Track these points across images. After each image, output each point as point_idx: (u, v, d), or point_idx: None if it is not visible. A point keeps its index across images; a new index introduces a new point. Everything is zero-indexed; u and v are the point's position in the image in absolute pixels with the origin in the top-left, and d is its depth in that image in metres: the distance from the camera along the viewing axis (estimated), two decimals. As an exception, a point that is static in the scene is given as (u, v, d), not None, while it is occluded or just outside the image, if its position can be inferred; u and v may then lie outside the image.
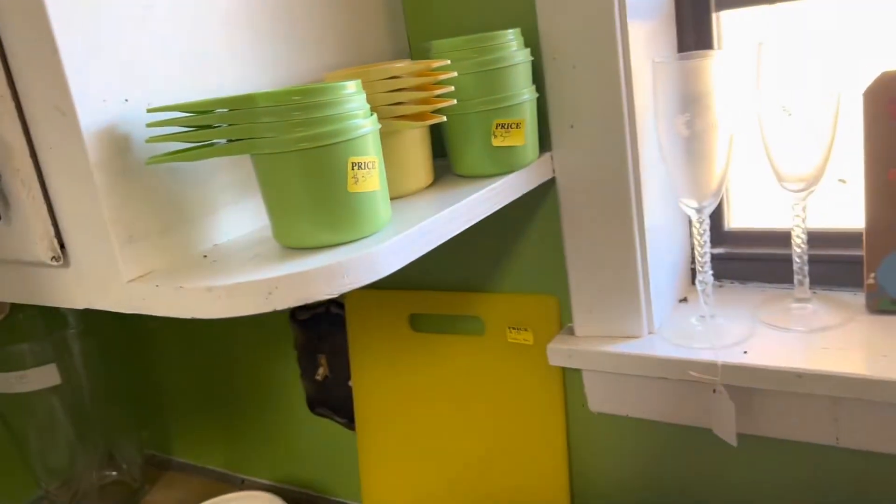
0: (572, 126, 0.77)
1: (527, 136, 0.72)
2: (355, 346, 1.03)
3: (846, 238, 0.83)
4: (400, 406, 1.01)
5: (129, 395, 1.28)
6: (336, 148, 0.53)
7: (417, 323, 0.98)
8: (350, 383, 1.05)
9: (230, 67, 0.64)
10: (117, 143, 0.55)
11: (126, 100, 0.55)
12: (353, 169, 0.55)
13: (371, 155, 0.56)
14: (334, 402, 1.09)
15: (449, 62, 0.65)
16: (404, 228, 0.59)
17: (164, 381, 1.29)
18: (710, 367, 0.75)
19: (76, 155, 0.53)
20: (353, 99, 0.55)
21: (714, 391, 0.76)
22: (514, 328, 0.90)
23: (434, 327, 0.97)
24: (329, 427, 1.12)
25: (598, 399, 0.87)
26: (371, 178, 0.56)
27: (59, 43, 0.51)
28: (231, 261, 0.58)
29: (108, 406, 1.18)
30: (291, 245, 0.57)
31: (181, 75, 0.60)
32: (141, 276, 0.57)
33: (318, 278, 0.53)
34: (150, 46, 0.57)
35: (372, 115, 0.57)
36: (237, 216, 0.65)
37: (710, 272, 0.80)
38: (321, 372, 1.08)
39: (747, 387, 0.74)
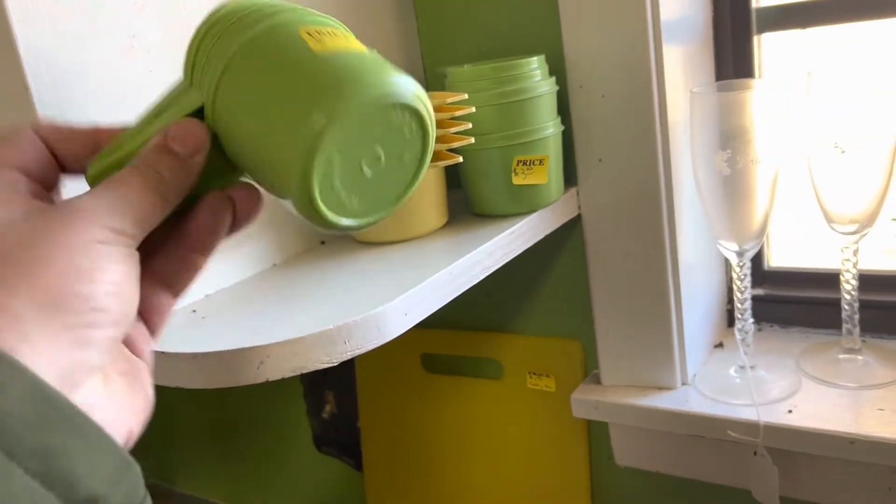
0: (601, 160, 0.71)
1: (550, 174, 0.66)
2: (364, 385, 0.97)
3: (900, 282, 0.76)
4: (410, 450, 0.95)
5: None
6: None
7: (430, 363, 0.92)
8: (358, 424, 0.99)
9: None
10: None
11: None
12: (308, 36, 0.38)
13: None
14: (342, 441, 1.03)
15: (466, 96, 0.58)
16: (415, 282, 0.53)
17: (168, 409, 1.24)
18: (751, 427, 0.68)
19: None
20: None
21: (755, 453, 0.69)
22: (534, 373, 0.83)
23: (448, 369, 0.91)
24: (335, 466, 1.06)
25: (626, 453, 0.80)
26: None
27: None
28: (221, 317, 0.52)
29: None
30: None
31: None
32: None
33: (315, 345, 0.47)
34: (136, 77, 0.52)
35: None
36: (231, 263, 0.59)
37: (751, 320, 0.73)
38: (328, 409, 1.02)
39: (792, 450, 0.67)
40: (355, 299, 0.51)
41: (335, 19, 0.39)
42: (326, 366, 0.48)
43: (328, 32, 0.38)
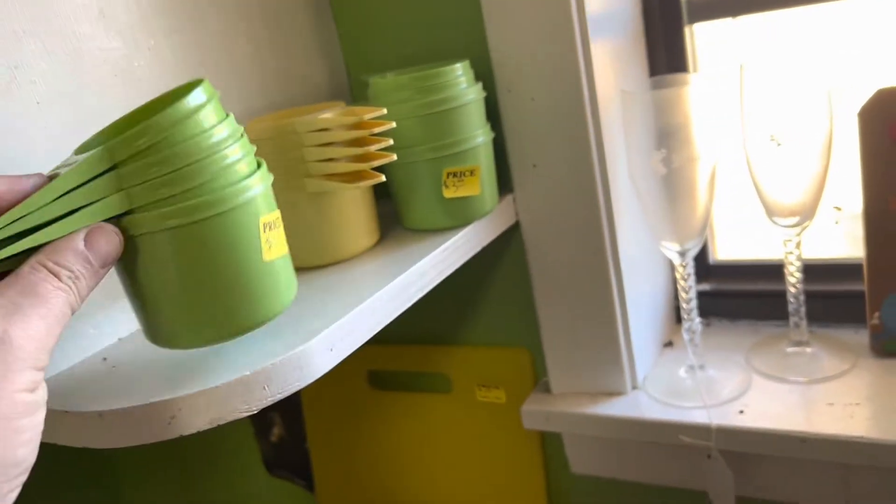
0: (535, 165, 0.68)
1: (483, 184, 0.63)
2: (310, 406, 0.94)
3: (844, 269, 0.75)
4: (362, 469, 0.92)
5: (75, 452, 1.18)
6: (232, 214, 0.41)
7: (377, 380, 0.89)
8: (307, 445, 0.96)
9: (126, 128, 0.54)
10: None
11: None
12: (264, 231, 0.43)
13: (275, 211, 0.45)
14: (292, 463, 1.00)
15: (385, 111, 0.55)
16: (341, 312, 0.50)
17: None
18: (703, 431, 0.66)
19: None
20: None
21: (709, 456, 0.67)
22: (483, 385, 0.81)
23: (396, 385, 0.88)
24: (288, 489, 1.03)
25: (581, 461, 0.78)
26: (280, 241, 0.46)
27: None
28: (133, 365, 0.49)
29: (53, 465, 1.08)
30: (191, 346, 0.45)
31: (62, 136, 0.50)
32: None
33: (232, 394, 0.43)
34: (23, 110, 0.48)
35: (259, 167, 0.44)
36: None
37: (698, 319, 0.71)
38: (276, 432, 0.99)
39: (746, 452, 0.66)
40: (274, 338, 0.47)
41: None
42: (246, 414, 0.44)
43: (277, 223, 0.44)
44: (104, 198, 0.38)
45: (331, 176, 0.55)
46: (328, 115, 0.55)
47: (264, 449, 1.02)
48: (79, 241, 0.36)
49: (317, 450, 0.95)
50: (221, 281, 0.42)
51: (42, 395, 0.34)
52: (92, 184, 0.38)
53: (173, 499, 1.18)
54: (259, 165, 0.44)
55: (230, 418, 0.43)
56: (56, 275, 0.35)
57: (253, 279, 0.42)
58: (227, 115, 0.42)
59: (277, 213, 0.45)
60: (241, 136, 0.43)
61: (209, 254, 0.41)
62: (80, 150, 0.42)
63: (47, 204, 0.37)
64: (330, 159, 0.55)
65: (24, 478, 0.33)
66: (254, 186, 0.42)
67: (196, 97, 0.40)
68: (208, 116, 0.40)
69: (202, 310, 0.42)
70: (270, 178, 0.44)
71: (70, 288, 0.35)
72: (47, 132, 0.49)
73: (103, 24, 0.53)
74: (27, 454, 0.32)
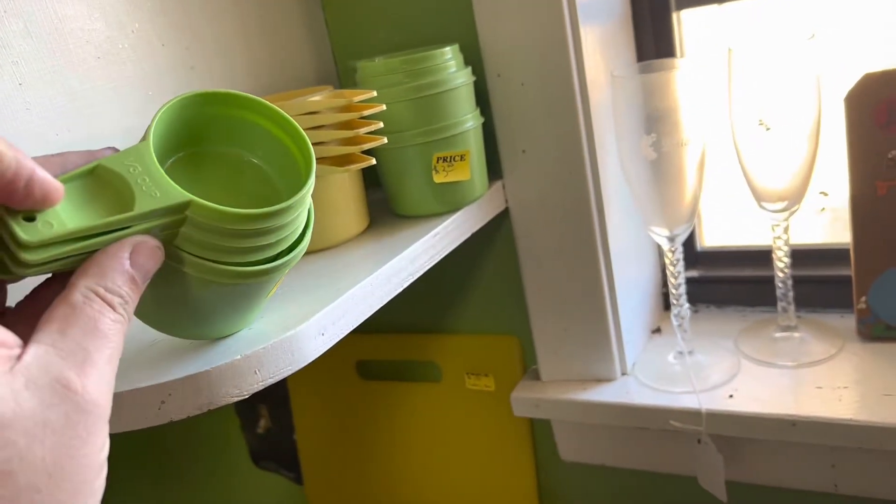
0: (524, 151, 0.68)
1: (473, 169, 0.63)
2: (297, 397, 0.93)
3: (831, 254, 0.76)
4: (351, 460, 0.92)
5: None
6: None
7: (366, 370, 0.88)
8: (295, 437, 0.95)
9: (111, 112, 0.53)
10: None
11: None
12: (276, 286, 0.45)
13: None
14: (279, 455, 0.99)
15: (374, 93, 0.55)
16: (332, 297, 0.49)
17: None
18: (693, 415, 0.66)
19: None
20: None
21: (699, 441, 0.68)
22: (473, 374, 0.81)
23: (385, 374, 0.87)
24: (275, 481, 1.02)
25: (571, 448, 0.78)
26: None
27: None
28: (127, 351, 0.48)
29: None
30: (188, 338, 0.46)
31: (45, 117, 0.49)
32: (103, 448, 0.46)
33: (222, 379, 0.43)
34: (5, 92, 0.47)
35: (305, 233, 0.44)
36: (132, 289, 0.54)
37: (686, 305, 0.71)
38: (263, 424, 0.98)
39: (735, 436, 0.66)
40: (265, 322, 0.47)
41: None
42: (237, 399, 0.44)
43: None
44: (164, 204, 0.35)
45: (320, 160, 0.55)
46: (317, 98, 0.54)
47: (251, 441, 1.01)
48: (125, 260, 0.33)
49: (304, 441, 0.94)
50: (228, 311, 0.43)
51: (108, 446, 0.31)
52: (165, 219, 0.36)
53: (158, 493, 1.17)
54: (307, 227, 0.43)
55: (221, 403, 0.43)
56: (111, 305, 0.32)
57: (255, 309, 0.45)
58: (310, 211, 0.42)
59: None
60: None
61: (227, 296, 0.41)
62: (156, 137, 0.38)
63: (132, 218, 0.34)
64: (319, 143, 0.54)
65: None
66: (295, 261, 0.41)
67: (296, 211, 0.39)
68: (295, 212, 0.40)
69: (203, 323, 0.43)
70: (302, 252, 0.43)
71: (124, 317, 0.33)
72: (30, 113, 0.48)
73: (86, 4, 0.52)
74: None
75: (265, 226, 0.38)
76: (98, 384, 0.30)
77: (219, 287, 0.39)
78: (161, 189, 0.35)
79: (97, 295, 0.32)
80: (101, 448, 0.30)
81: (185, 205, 0.35)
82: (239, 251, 0.38)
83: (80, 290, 0.32)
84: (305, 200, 0.40)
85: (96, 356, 0.30)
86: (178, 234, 0.36)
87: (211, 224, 0.36)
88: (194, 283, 0.38)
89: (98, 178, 0.34)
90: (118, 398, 0.42)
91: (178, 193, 0.35)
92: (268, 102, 0.42)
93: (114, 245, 0.33)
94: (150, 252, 0.34)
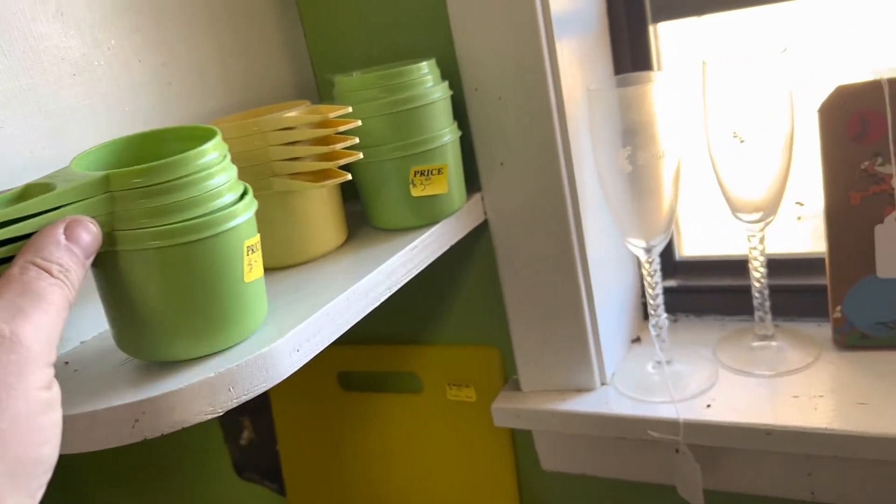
0: (503, 163, 0.69)
1: (450, 183, 0.63)
2: (279, 408, 0.93)
3: (807, 264, 0.76)
4: (333, 471, 0.92)
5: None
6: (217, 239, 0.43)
7: (347, 381, 0.88)
8: (277, 448, 0.95)
9: (87, 130, 0.53)
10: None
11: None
12: (248, 254, 0.45)
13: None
14: (262, 466, 0.99)
15: (350, 109, 0.55)
16: (307, 313, 0.50)
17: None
18: (671, 425, 0.67)
19: None
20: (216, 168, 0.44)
21: (677, 451, 0.68)
22: (454, 384, 0.81)
23: (366, 385, 0.88)
24: (258, 492, 1.02)
25: (552, 458, 0.79)
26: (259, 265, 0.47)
27: None
28: (96, 368, 0.48)
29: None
30: (162, 359, 0.46)
31: (18, 135, 0.49)
32: (41, 386, 0.46)
33: (196, 397, 0.43)
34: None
35: (245, 195, 0.46)
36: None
37: (664, 315, 0.72)
38: (246, 435, 0.98)
39: (713, 446, 0.67)
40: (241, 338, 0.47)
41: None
42: (211, 417, 0.44)
43: (257, 246, 0.46)
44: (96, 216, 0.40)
45: (296, 175, 0.55)
46: (293, 114, 0.55)
47: (234, 453, 1.01)
48: (59, 234, 0.37)
49: (287, 452, 0.94)
50: (203, 300, 0.43)
51: (56, 392, 0.34)
52: (86, 202, 0.39)
53: (136, 502, 1.16)
54: (245, 192, 0.46)
55: (195, 421, 0.43)
56: (47, 270, 0.35)
57: (233, 300, 0.44)
58: (225, 157, 0.44)
59: (258, 237, 0.46)
60: (224, 157, 0.44)
61: (193, 274, 0.42)
62: (79, 161, 0.43)
63: (40, 213, 0.38)
64: (295, 158, 0.55)
65: (48, 476, 0.33)
66: (241, 214, 0.44)
67: (206, 156, 0.42)
68: (209, 163, 0.43)
69: (182, 327, 0.44)
70: (255, 204, 0.46)
71: (63, 281, 0.36)
72: (4, 131, 0.48)
73: (61, 22, 0.52)
74: (50, 452, 0.33)
75: (181, 174, 0.41)
76: (29, 332, 0.33)
77: (170, 269, 0.41)
78: (79, 177, 0.40)
79: (32, 264, 0.35)
80: (39, 387, 0.33)
81: (104, 179, 0.39)
82: (168, 210, 0.40)
83: (18, 264, 0.35)
84: (218, 149, 0.43)
85: (30, 310, 0.33)
86: (113, 215, 0.40)
87: (134, 186, 0.40)
88: (142, 267, 0.41)
89: (27, 194, 0.39)
90: (92, 417, 0.42)
91: (94, 174, 0.40)
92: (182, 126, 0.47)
93: (48, 225, 0.37)
94: (83, 225, 0.38)
